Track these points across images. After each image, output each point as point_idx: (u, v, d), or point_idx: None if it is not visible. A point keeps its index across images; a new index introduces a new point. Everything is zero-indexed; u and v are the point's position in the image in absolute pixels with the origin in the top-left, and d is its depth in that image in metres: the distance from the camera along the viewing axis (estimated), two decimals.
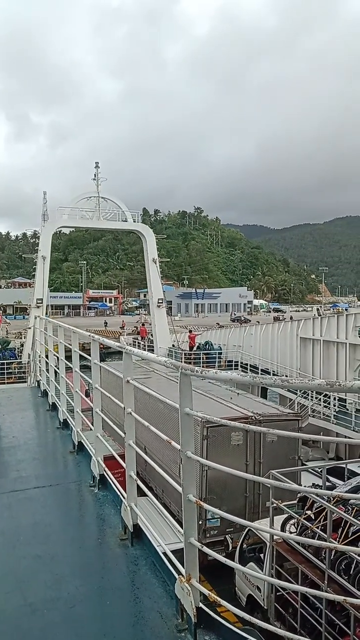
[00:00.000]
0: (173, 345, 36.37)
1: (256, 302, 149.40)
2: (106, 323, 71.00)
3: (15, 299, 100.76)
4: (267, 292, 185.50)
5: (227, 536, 13.05)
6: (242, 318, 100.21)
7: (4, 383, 23.08)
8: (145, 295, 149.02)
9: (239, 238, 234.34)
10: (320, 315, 71.68)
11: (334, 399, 23.07)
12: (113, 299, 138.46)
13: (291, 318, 70.02)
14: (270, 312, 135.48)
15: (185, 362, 30.93)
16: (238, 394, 16.77)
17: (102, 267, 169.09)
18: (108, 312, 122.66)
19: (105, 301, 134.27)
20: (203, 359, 33.04)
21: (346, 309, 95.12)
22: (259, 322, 44.60)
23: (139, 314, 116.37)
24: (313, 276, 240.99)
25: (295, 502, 10.10)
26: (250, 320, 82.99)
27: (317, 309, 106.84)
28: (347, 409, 22.87)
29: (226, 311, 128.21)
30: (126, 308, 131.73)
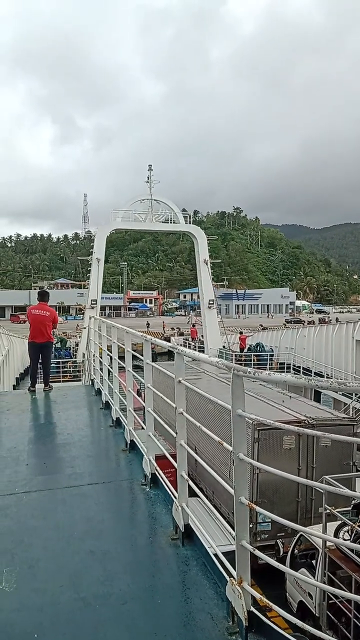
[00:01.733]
0: (223, 347, 36.26)
1: (298, 303, 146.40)
2: (148, 324, 71.46)
3: (58, 300, 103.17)
4: (309, 292, 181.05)
5: (278, 540, 12.86)
6: (299, 320, 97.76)
7: (59, 381, 23.70)
8: (185, 297, 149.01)
9: (279, 238, 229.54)
10: None
11: None
12: (153, 299, 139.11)
13: (337, 320, 68.25)
14: (313, 313, 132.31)
15: (236, 363, 30.86)
16: (290, 397, 16.50)
17: (142, 268, 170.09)
18: (148, 313, 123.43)
19: (145, 302, 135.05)
20: (254, 360, 32.75)
21: None
22: (313, 323, 43.23)
23: (187, 315, 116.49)
24: (355, 277, 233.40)
25: (350, 508, 9.83)
26: (304, 322, 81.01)
27: None
28: None
29: (267, 312, 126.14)
30: (166, 309, 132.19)
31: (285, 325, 57.11)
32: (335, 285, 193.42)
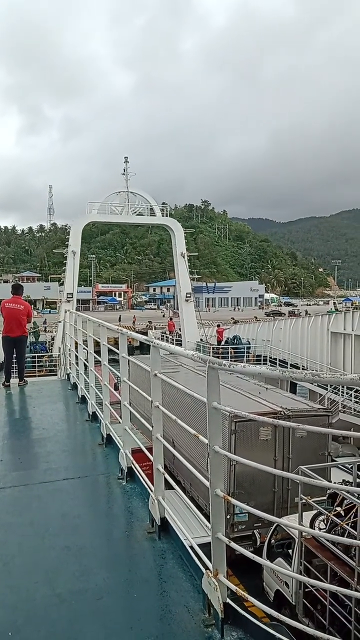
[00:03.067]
0: (201, 340, 36.35)
1: (267, 296, 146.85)
2: (120, 318, 70.53)
3: (24, 294, 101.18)
4: (277, 285, 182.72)
5: (255, 531, 13.00)
6: (280, 313, 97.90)
7: (35, 376, 23.44)
8: (154, 290, 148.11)
9: (246, 231, 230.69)
10: (338, 309, 70.66)
11: None
12: (122, 293, 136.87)
13: (306, 312, 68.94)
14: (281, 306, 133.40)
15: (213, 356, 30.88)
16: (267, 388, 16.65)
17: (110, 261, 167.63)
18: (117, 307, 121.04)
19: (115, 295, 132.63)
20: (231, 353, 32.92)
21: None
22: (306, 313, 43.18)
23: (157, 308, 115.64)
24: (321, 269, 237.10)
25: (325, 498, 9.98)
26: (284, 314, 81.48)
27: (334, 303, 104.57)
28: None
29: (237, 305, 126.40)
30: (135, 302, 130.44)
31: (267, 317, 57.27)
32: (302, 279, 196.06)
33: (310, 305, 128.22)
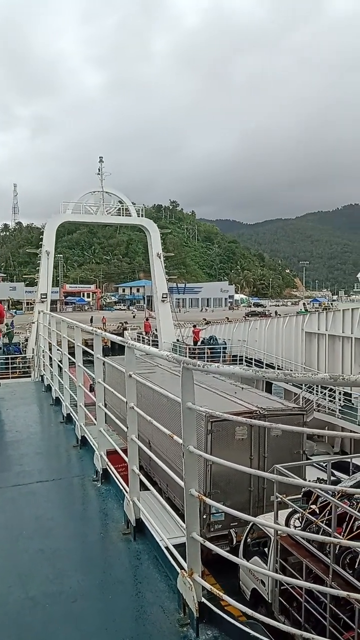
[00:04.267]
0: (177, 340, 36.37)
1: (237, 296, 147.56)
2: (92, 319, 69.12)
3: None
4: (246, 286, 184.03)
5: (231, 530, 13.06)
6: (258, 313, 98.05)
7: (8, 377, 23.12)
8: (124, 290, 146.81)
9: (215, 232, 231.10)
10: (307, 310, 71.77)
11: (339, 393, 23.01)
12: (91, 293, 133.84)
13: (276, 313, 69.60)
14: (250, 306, 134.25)
15: (189, 356, 30.87)
16: (242, 388, 16.75)
17: (77, 261, 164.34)
18: (86, 307, 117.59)
19: (83, 296, 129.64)
20: (207, 353, 33.03)
21: (331, 303, 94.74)
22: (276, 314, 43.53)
23: (127, 309, 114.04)
24: (288, 271, 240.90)
25: (300, 496, 10.09)
26: (264, 315, 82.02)
27: (304, 304, 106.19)
28: (353, 403, 22.83)
29: (207, 306, 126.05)
30: (104, 303, 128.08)
31: (245, 318, 57.45)
32: (270, 280, 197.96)
33: (278, 306, 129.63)
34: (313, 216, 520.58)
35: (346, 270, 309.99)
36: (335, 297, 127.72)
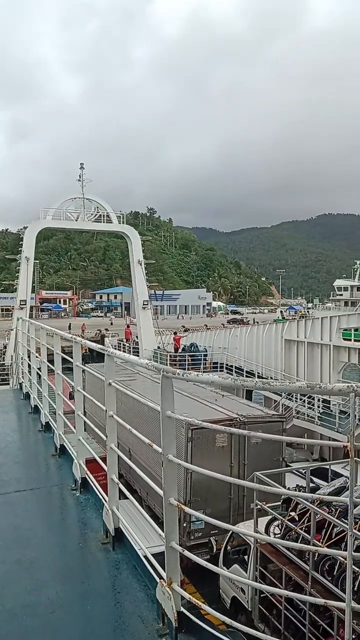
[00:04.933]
0: (158, 347, 36.31)
1: (214, 304, 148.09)
2: (70, 326, 68.29)
3: None
4: (224, 294, 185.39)
5: (211, 538, 13.04)
6: (239, 320, 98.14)
7: None
8: (101, 297, 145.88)
9: (192, 240, 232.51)
10: (285, 318, 72.58)
11: (318, 400, 23.21)
12: (67, 300, 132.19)
13: (254, 321, 70.12)
14: (228, 314, 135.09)
15: (170, 364, 30.84)
16: (223, 395, 16.78)
17: (53, 267, 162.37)
18: (62, 314, 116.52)
19: (59, 302, 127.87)
20: (188, 360, 33.02)
21: (307, 311, 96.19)
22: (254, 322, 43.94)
23: (104, 316, 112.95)
24: (264, 279, 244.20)
25: (280, 503, 10.12)
26: (243, 322, 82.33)
27: (281, 312, 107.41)
28: (331, 410, 23.04)
29: (185, 313, 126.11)
30: (81, 310, 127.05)
31: (224, 325, 57.49)
32: (247, 287, 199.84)
33: (255, 313, 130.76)
34: (288, 225, 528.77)
35: (320, 278, 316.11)
36: (310, 305, 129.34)
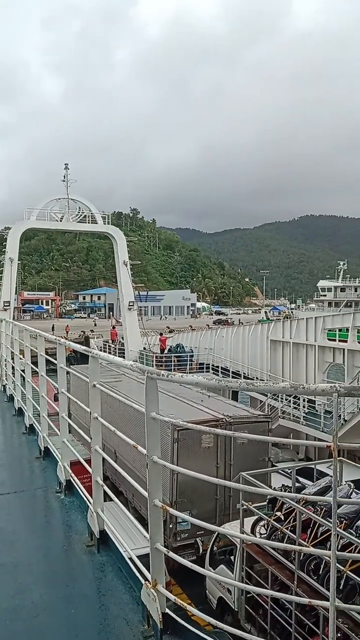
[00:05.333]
0: (144, 348, 36.24)
1: (198, 304, 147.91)
2: (54, 327, 67.48)
3: None
4: (208, 294, 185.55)
5: (197, 539, 13.04)
6: (225, 321, 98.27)
7: None
8: (84, 298, 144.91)
9: (176, 241, 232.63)
10: (269, 318, 73.01)
11: (304, 400, 23.35)
12: (50, 301, 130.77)
13: (240, 322, 70.49)
14: (212, 314, 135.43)
15: (156, 365, 30.78)
16: (209, 396, 16.79)
17: (35, 268, 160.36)
18: (45, 315, 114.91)
19: (42, 303, 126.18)
20: (174, 361, 33.01)
21: (291, 311, 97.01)
22: (240, 322, 43.82)
23: (87, 317, 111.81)
24: (247, 279, 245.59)
25: (266, 503, 10.16)
26: (227, 323, 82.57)
27: (265, 312, 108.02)
28: (316, 410, 23.19)
29: (170, 314, 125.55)
30: (64, 311, 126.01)
31: (209, 326, 57.57)
32: (231, 288, 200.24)
33: (239, 314, 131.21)
34: (270, 226, 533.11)
35: (302, 279, 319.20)
36: (293, 305, 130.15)
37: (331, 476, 10.43)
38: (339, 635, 7.34)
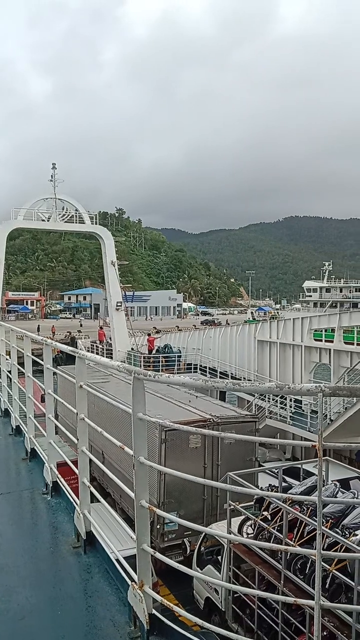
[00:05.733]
0: (132, 349, 36.18)
1: (185, 305, 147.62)
2: (39, 327, 66.78)
3: None
4: (194, 295, 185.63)
5: (185, 539, 13.04)
6: (213, 321, 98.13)
7: None
8: (69, 298, 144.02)
9: (161, 241, 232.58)
10: (255, 319, 73.31)
11: (290, 400, 23.45)
12: (35, 301, 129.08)
13: (227, 322, 70.79)
14: (198, 315, 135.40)
15: (144, 365, 30.70)
16: (197, 396, 16.81)
17: (20, 268, 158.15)
18: (30, 316, 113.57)
19: (27, 304, 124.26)
20: (162, 362, 32.99)
21: (277, 312, 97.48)
22: (227, 323, 43.98)
23: (73, 317, 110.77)
24: (232, 280, 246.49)
25: (253, 503, 10.19)
26: (214, 323, 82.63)
27: (252, 313, 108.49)
28: (303, 410, 23.30)
29: (156, 314, 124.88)
30: (49, 311, 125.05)
31: (195, 327, 57.66)
32: (217, 288, 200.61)
33: (225, 314, 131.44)
34: (255, 227, 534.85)
35: (287, 280, 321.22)
36: (278, 306, 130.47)
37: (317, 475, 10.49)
38: (325, 634, 7.39)
